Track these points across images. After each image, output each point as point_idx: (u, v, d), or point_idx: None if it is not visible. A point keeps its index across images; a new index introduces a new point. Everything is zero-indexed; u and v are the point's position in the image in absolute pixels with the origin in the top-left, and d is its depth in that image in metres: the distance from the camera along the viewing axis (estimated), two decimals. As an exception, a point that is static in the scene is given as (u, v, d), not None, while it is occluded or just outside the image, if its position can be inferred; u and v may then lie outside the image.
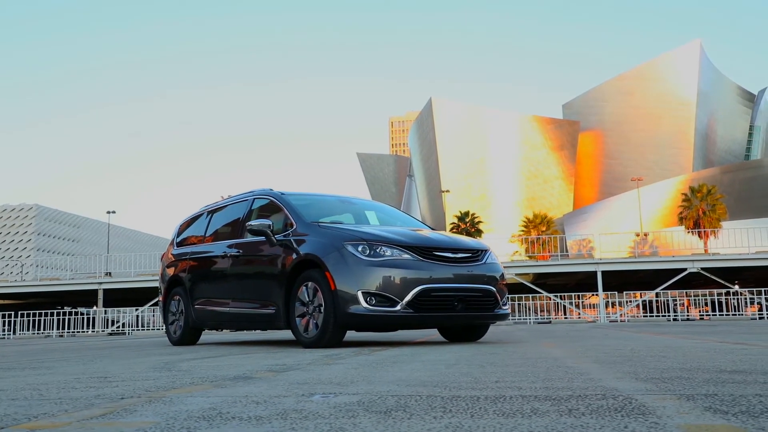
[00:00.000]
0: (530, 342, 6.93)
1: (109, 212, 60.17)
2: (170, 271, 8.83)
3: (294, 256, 6.39)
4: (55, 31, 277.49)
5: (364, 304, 5.77)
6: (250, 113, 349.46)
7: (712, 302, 26.77)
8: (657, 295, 27.55)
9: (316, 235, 6.36)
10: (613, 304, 28.09)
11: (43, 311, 27.84)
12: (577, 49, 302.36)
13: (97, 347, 9.10)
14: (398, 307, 5.81)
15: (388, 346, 6.23)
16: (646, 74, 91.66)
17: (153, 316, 30.55)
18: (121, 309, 31.04)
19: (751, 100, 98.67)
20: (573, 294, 28.23)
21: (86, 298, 31.37)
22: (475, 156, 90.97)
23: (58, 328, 27.53)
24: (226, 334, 15.97)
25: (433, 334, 9.53)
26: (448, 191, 66.75)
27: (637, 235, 47.08)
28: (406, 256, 5.96)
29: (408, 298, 5.81)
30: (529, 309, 29.04)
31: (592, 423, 1.75)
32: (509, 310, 6.85)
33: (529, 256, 36.18)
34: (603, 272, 26.50)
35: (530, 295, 28.63)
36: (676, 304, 28.37)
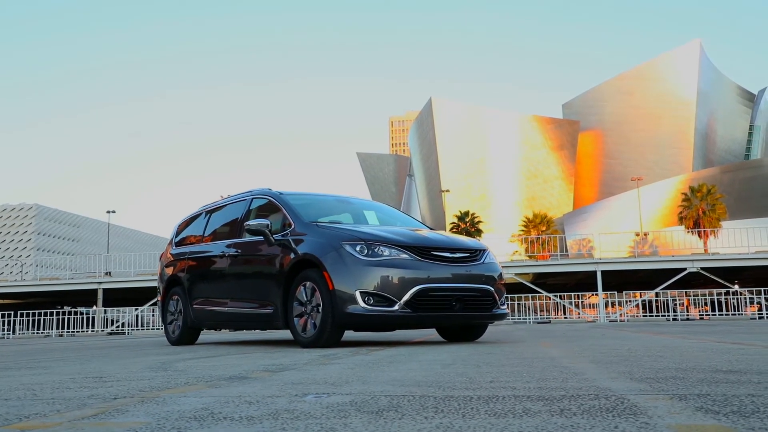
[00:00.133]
0: (528, 342, 6.92)
1: (108, 212, 60.28)
2: (169, 271, 8.83)
3: (292, 255, 6.39)
4: (55, 31, 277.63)
5: (362, 304, 5.77)
6: (250, 113, 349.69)
7: (712, 302, 26.78)
8: (657, 294, 27.56)
9: (314, 235, 6.36)
10: (613, 304, 28.10)
11: (42, 311, 27.85)
12: (577, 49, 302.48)
13: (96, 347, 9.10)
14: (396, 307, 5.81)
15: (386, 346, 6.23)
16: (646, 74, 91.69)
17: (153, 315, 30.57)
18: (121, 309, 31.05)
19: (751, 99, 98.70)
20: (573, 294, 28.23)
21: (86, 297, 31.38)
22: (475, 156, 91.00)
23: (57, 328, 27.53)
24: (225, 334, 15.98)
25: (432, 333, 9.53)
26: (448, 191, 66.77)
27: (637, 234, 47.09)
28: (404, 255, 5.96)
29: (406, 297, 5.81)
30: (529, 309, 29.05)
31: (582, 423, 1.75)
32: (507, 310, 6.84)
33: (529, 256, 36.20)
34: (603, 272, 26.50)
35: (530, 295, 28.64)
36: (675, 304, 28.37)
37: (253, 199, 7.73)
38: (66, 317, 28.26)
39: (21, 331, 28.71)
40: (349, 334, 9.34)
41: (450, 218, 60.98)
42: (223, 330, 14.46)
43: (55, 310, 29.33)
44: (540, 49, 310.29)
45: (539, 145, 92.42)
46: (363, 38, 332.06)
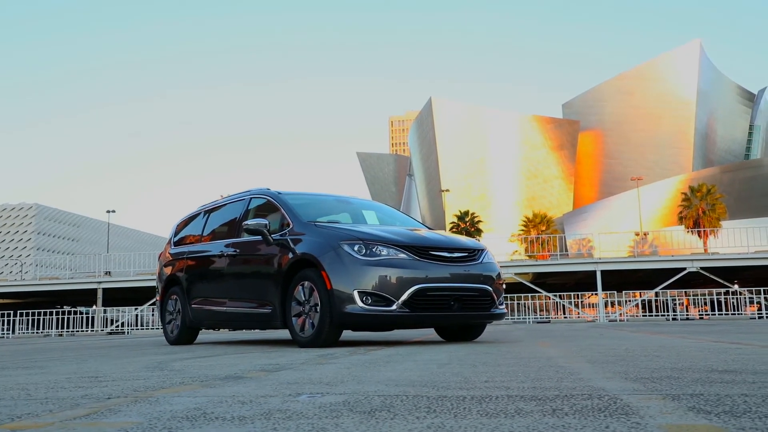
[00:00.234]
0: (526, 341, 6.92)
1: (108, 211, 60.25)
2: (167, 271, 8.83)
3: (290, 255, 6.39)
4: (55, 31, 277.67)
5: (360, 304, 5.77)
6: (250, 113, 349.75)
7: (712, 302, 26.78)
8: (656, 294, 27.55)
9: (312, 235, 6.36)
10: (613, 304, 28.10)
11: (42, 310, 27.85)
12: (577, 49, 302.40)
13: (94, 347, 9.10)
14: (394, 307, 5.81)
15: (384, 346, 6.23)
16: (646, 74, 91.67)
17: (152, 315, 30.58)
18: (121, 308, 31.05)
19: (751, 99, 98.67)
20: (572, 293, 28.23)
21: (86, 297, 31.38)
22: (474, 155, 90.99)
23: (57, 328, 27.53)
24: (224, 334, 15.98)
25: (430, 333, 9.53)
26: (447, 191, 66.78)
27: (637, 234, 47.09)
28: (402, 255, 5.95)
29: (404, 297, 5.81)
30: (529, 308, 29.04)
31: (573, 423, 1.75)
32: (505, 310, 6.84)
33: (529, 256, 36.19)
34: (602, 272, 26.49)
35: (529, 295, 28.63)
36: (675, 304, 28.37)
37: (251, 198, 7.73)
38: (66, 317, 28.27)
39: (21, 331, 28.72)
40: (347, 334, 9.34)
41: (450, 218, 60.98)
42: (222, 330, 14.47)
43: (54, 310, 29.33)
44: (540, 49, 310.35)
45: (539, 145, 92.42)
46: (363, 38, 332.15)
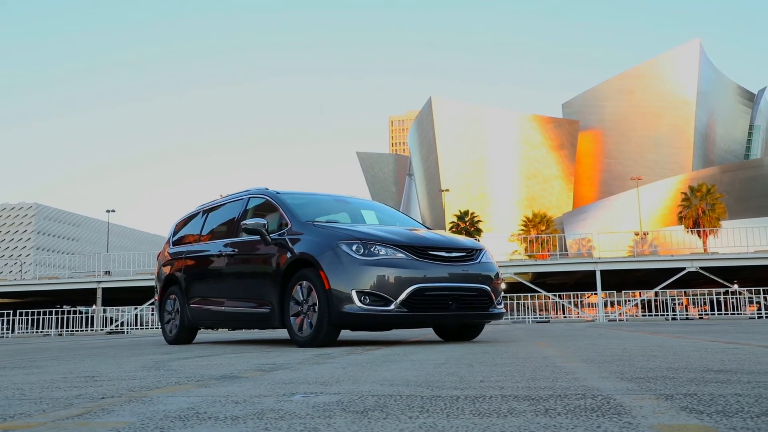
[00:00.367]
0: (524, 341, 6.92)
1: (108, 211, 60.27)
2: (166, 270, 8.83)
3: (289, 255, 6.39)
4: (55, 31, 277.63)
5: (358, 304, 5.77)
6: (250, 113, 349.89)
7: (711, 301, 26.77)
8: (656, 294, 27.55)
9: (310, 234, 6.36)
10: (612, 304, 28.09)
11: (42, 310, 27.85)
12: (577, 49, 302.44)
13: (93, 346, 9.09)
14: (392, 307, 5.81)
15: (382, 345, 6.23)
16: (645, 73, 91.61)
17: (152, 315, 30.54)
18: (120, 308, 31.04)
19: (751, 99, 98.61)
20: (572, 293, 28.23)
21: (85, 296, 31.38)
22: (474, 155, 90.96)
23: (57, 327, 27.52)
24: (223, 334, 15.98)
25: (429, 333, 9.53)
26: (447, 190, 66.76)
27: (637, 234, 47.07)
28: (400, 255, 5.95)
29: (402, 297, 5.81)
30: (528, 308, 29.04)
31: (565, 423, 1.75)
32: (504, 310, 6.84)
33: (529, 256, 36.18)
34: (602, 271, 26.48)
35: (529, 295, 28.62)
36: (675, 304, 28.36)
37: (250, 198, 7.72)
38: (65, 316, 28.25)
39: (20, 330, 28.70)
40: (346, 334, 9.34)
41: (450, 218, 60.98)
42: (221, 329, 14.46)
43: (54, 310, 29.32)
44: (540, 49, 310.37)
45: (539, 145, 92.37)
46: (363, 38, 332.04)
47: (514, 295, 27.26)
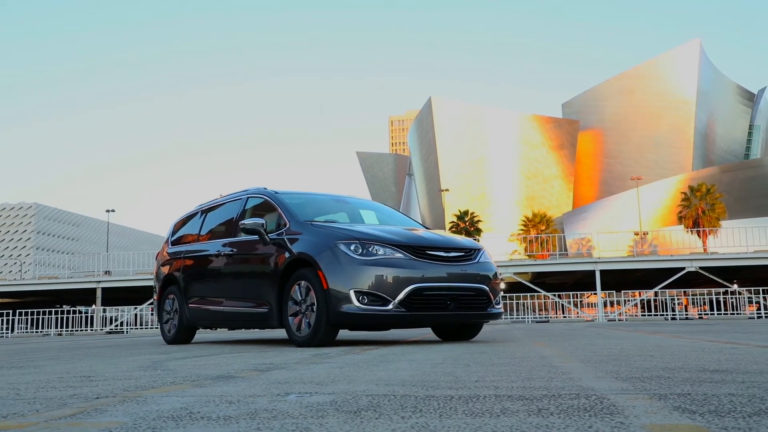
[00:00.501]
0: (523, 341, 6.92)
1: (108, 211, 60.27)
2: (165, 270, 8.83)
3: (287, 255, 6.39)
4: (55, 31, 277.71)
5: (357, 303, 5.77)
6: (250, 113, 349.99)
7: (711, 301, 26.76)
8: (656, 294, 27.55)
9: (309, 234, 6.36)
10: (612, 303, 28.09)
11: (42, 310, 27.84)
12: (577, 49, 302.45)
13: (92, 346, 9.09)
14: (390, 306, 5.81)
15: (381, 345, 6.23)
16: (645, 73, 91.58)
17: (151, 314, 30.52)
18: (120, 308, 31.03)
19: (751, 99, 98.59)
20: (571, 293, 28.22)
21: (85, 296, 31.38)
22: (474, 155, 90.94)
23: (56, 327, 27.52)
24: (223, 333, 15.98)
25: (428, 333, 9.53)
26: (447, 190, 66.76)
27: (636, 234, 47.07)
28: (398, 255, 5.95)
29: (400, 297, 5.81)
30: (528, 308, 29.03)
31: (557, 423, 1.75)
32: (502, 309, 6.84)
33: (528, 255, 36.19)
34: (601, 271, 26.48)
35: (529, 294, 28.61)
36: (674, 304, 28.36)
37: (248, 198, 7.73)
38: (65, 316, 28.25)
39: (20, 330, 28.70)
40: (345, 334, 9.34)
41: (449, 217, 60.98)
42: (221, 329, 14.46)
43: (54, 309, 29.32)
44: (540, 49, 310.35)
45: (539, 145, 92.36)
46: (363, 38, 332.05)
47: (514, 294, 27.26)
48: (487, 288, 6.34)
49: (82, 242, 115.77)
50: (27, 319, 28.20)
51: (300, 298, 6.16)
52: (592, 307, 31.04)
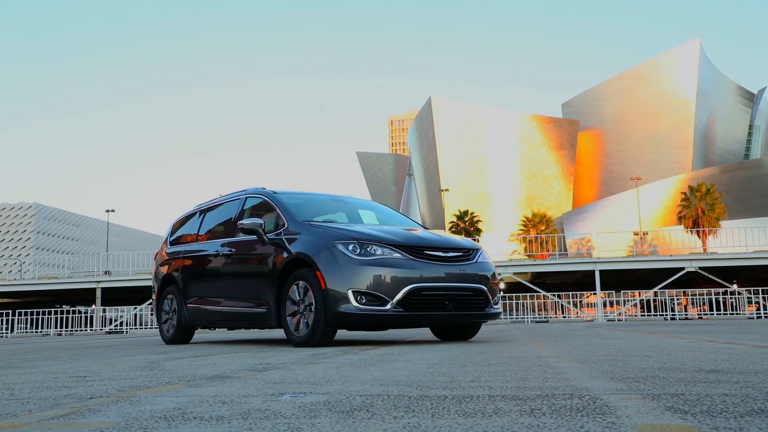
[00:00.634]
0: (521, 341, 6.92)
1: (108, 211, 60.27)
2: (163, 270, 8.83)
3: (285, 255, 6.39)
4: (55, 31, 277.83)
5: (355, 303, 5.77)
6: (250, 113, 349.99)
7: (710, 301, 26.76)
8: (655, 294, 27.55)
9: (307, 234, 6.36)
10: (612, 303, 28.09)
11: (41, 310, 27.84)
12: (577, 49, 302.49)
13: (90, 346, 9.09)
14: (388, 306, 5.81)
15: (379, 345, 6.23)
16: (645, 73, 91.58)
17: (151, 314, 30.51)
18: (120, 308, 31.03)
19: (751, 99, 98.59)
20: (571, 293, 28.23)
21: (85, 296, 31.38)
22: (474, 155, 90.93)
23: (56, 327, 27.52)
24: (222, 333, 15.97)
25: (427, 333, 9.53)
26: (447, 190, 66.73)
27: (636, 234, 47.07)
28: (396, 255, 5.95)
29: (398, 297, 5.81)
30: (527, 308, 29.03)
31: (549, 423, 1.75)
32: (500, 309, 6.84)
33: (528, 255, 36.20)
34: (601, 271, 26.48)
35: (528, 294, 28.60)
36: (674, 304, 28.36)
37: (247, 198, 7.73)
38: (65, 316, 28.25)
39: (19, 330, 28.70)
40: (343, 334, 9.34)
41: (449, 217, 60.97)
42: (220, 329, 14.45)
43: (53, 309, 29.32)
44: (540, 49, 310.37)
45: (539, 145, 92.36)
46: (363, 38, 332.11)
47: (514, 294, 27.26)
48: (485, 288, 6.34)
49: (82, 242, 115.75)
50: (27, 319, 28.20)
51: (298, 298, 6.16)
52: (591, 307, 31.04)
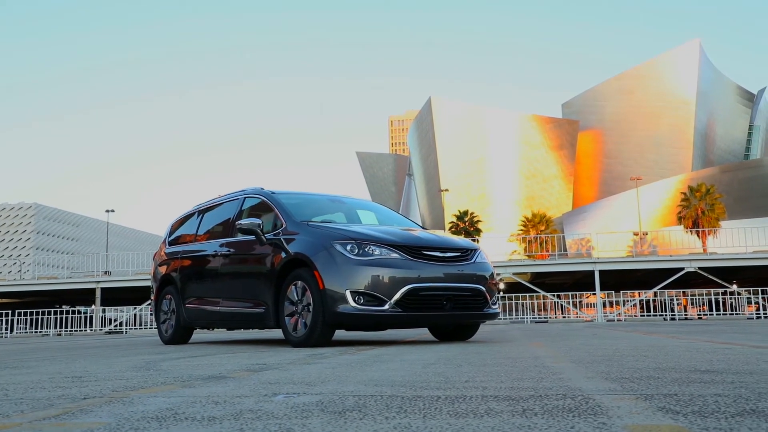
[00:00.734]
0: (519, 341, 6.92)
1: (107, 211, 60.25)
2: (162, 270, 8.83)
3: (283, 255, 6.39)
4: (55, 31, 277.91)
5: (353, 304, 5.77)
6: (250, 113, 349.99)
7: (710, 302, 26.76)
8: (655, 294, 27.54)
9: (305, 234, 6.36)
10: (611, 304, 28.08)
11: (41, 310, 27.83)
12: (577, 49, 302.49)
13: (89, 346, 9.09)
14: (386, 307, 5.81)
15: (376, 345, 6.23)
16: (645, 73, 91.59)
17: (151, 315, 30.49)
18: (119, 308, 31.03)
19: (751, 99, 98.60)
20: (571, 293, 28.21)
21: (84, 296, 31.38)
22: (474, 155, 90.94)
23: (56, 327, 27.52)
24: (221, 334, 15.97)
25: (425, 333, 9.52)
26: (447, 190, 66.71)
27: (636, 234, 47.07)
28: (394, 255, 5.95)
29: (396, 297, 5.81)
30: (527, 308, 29.02)
31: (540, 423, 1.75)
32: (499, 310, 6.83)
33: (528, 256, 36.20)
34: (601, 271, 26.47)
35: (528, 295, 28.59)
36: (674, 304, 28.36)
37: (245, 198, 7.73)
38: (64, 316, 28.24)
39: (19, 330, 28.70)
40: (342, 334, 9.34)
41: (449, 218, 60.97)
42: (219, 329, 14.45)
43: (53, 309, 29.32)
44: (540, 49, 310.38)
45: (538, 145, 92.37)
46: (363, 38, 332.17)
47: (513, 295, 27.25)
48: (483, 288, 6.34)
49: (81, 242, 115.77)
50: (26, 320, 28.19)
51: (296, 299, 6.16)
52: (591, 307, 31.03)
